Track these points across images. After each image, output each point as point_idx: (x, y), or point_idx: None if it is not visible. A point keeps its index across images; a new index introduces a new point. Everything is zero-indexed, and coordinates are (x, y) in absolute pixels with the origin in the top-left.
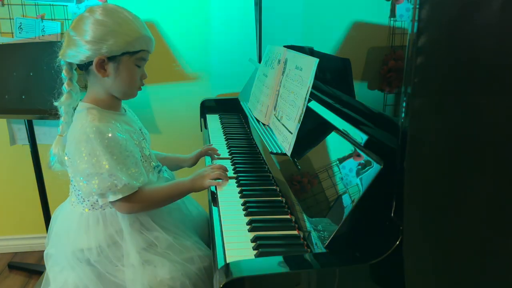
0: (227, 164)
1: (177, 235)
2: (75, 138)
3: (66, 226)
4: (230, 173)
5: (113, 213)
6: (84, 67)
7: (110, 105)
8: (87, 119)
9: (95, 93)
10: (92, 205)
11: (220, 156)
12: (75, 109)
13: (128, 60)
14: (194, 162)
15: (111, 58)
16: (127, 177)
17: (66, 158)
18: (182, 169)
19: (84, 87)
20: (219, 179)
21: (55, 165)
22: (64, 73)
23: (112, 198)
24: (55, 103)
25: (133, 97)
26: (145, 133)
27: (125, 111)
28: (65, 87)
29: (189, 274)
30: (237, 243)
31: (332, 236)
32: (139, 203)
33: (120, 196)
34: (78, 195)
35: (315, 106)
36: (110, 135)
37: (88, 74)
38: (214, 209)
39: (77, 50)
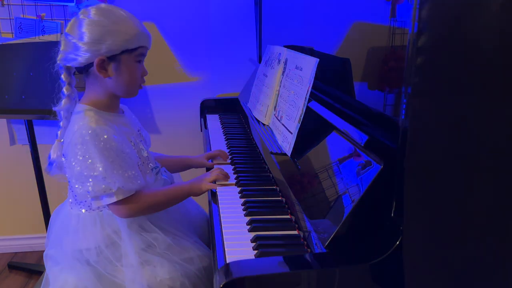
0: (227, 165)
1: (176, 236)
2: (72, 140)
3: (65, 227)
4: (230, 173)
5: (110, 214)
6: (84, 69)
7: (109, 106)
8: (84, 121)
9: (94, 94)
10: (89, 206)
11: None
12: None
13: (128, 57)
14: (204, 163)
15: (111, 58)
16: (122, 180)
17: (63, 159)
18: (183, 172)
19: (84, 89)
20: (218, 179)
21: (54, 169)
22: (62, 78)
23: (106, 201)
24: (55, 108)
25: (134, 95)
26: (144, 134)
27: (123, 112)
28: (64, 91)
29: (188, 274)
30: (237, 243)
31: (332, 236)
32: (137, 206)
33: (114, 199)
34: (75, 196)
35: (315, 106)
36: (105, 137)
37: (88, 76)
38: (214, 209)
39: (76, 53)
